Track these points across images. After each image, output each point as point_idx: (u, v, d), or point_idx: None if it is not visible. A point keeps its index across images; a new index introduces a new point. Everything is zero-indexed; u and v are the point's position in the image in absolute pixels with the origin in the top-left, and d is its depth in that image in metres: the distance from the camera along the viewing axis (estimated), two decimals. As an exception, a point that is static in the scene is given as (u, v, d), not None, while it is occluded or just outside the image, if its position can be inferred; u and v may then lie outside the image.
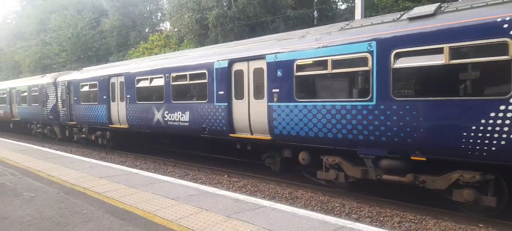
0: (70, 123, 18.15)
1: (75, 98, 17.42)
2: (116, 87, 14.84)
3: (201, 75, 11.14)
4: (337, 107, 7.84)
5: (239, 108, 10.13)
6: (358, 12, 16.25)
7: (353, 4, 22.77)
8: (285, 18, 24.88)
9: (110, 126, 15.27)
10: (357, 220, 6.78)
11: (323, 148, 8.35)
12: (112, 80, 15.10)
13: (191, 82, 11.60)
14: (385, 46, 7.14)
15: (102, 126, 15.98)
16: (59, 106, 18.91)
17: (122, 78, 14.53)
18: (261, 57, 9.47)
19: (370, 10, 21.64)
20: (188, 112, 11.55)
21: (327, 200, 8.34)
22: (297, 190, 9.20)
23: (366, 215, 7.28)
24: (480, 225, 6.58)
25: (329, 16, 25.81)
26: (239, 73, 10.13)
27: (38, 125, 21.98)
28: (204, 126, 11.05)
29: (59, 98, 18.89)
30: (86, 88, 16.67)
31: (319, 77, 8.44)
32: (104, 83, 15.35)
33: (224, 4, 24.85)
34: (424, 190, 7.28)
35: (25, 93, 22.52)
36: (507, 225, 6.48)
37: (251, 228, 5.19)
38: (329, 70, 8.05)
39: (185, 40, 28.96)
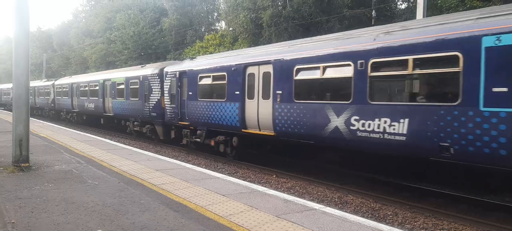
0: (180, 123, 15.27)
1: (190, 93, 14.48)
2: (256, 80, 11.51)
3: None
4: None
5: None
6: (419, 12, 15.46)
7: (413, 4, 21.68)
8: (341, 18, 24.36)
9: (242, 130, 12.05)
10: (411, 230, 6.46)
11: None
12: (250, 70, 11.81)
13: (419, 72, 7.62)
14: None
15: (228, 129, 12.78)
16: (166, 103, 16.29)
17: (267, 68, 11.16)
18: None
19: (433, 9, 20.46)
20: (408, 119, 7.60)
21: (379, 207, 8.06)
22: (346, 195, 8.99)
23: (420, 226, 6.92)
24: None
25: (388, 16, 24.82)
26: None
27: (135, 123, 19.53)
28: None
29: (165, 92, 16.26)
30: (206, 81, 13.76)
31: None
32: (237, 74, 12.15)
33: (279, 3, 24.94)
34: (485, 204, 6.76)
35: (122, 86, 20.32)
36: None
37: (301, 230, 5.17)
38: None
39: (239, 40, 29.50)
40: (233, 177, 9.66)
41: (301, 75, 10.11)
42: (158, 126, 17.42)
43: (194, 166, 10.44)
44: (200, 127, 14.18)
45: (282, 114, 10.43)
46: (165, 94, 16.33)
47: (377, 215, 7.58)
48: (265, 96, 11.18)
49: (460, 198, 8.16)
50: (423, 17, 15.00)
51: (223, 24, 40.51)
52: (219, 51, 29.55)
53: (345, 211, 7.01)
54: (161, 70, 17.00)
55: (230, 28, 32.07)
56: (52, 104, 33.21)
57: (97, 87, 23.61)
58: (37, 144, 13.13)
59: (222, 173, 10.16)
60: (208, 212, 5.89)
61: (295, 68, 10.15)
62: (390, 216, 7.51)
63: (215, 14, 46.08)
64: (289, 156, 12.87)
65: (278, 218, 5.67)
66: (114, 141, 16.53)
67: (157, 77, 17.16)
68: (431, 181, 9.06)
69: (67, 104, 29.29)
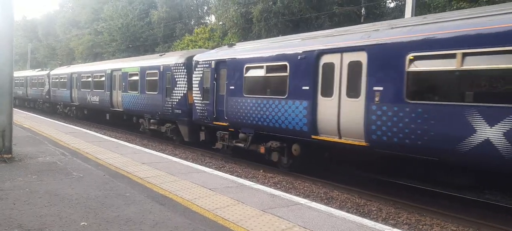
0: (216, 123, 12.50)
1: (232, 87, 11.75)
2: (337, 72, 8.92)
3: None
4: None
5: None
6: (408, 11, 15.63)
7: (402, 3, 21.91)
8: (330, 15, 24.45)
9: (312, 137, 9.36)
10: (394, 226, 6.58)
11: None
12: (327, 59, 9.12)
13: None
14: None
15: (287, 134, 10.08)
16: (195, 98, 13.46)
17: (357, 56, 8.50)
18: None
19: (421, 8, 20.70)
20: None
21: (364, 203, 8.17)
22: (332, 190, 9.09)
23: (404, 222, 7.05)
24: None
25: (377, 14, 25.01)
26: None
27: (151, 120, 16.81)
28: None
29: (195, 86, 13.47)
30: (257, 73, 11.06)
31: None
32: (306, 64, 9.46)
33: (269, -2, 24.88)
34: (467, 200, 6.93)
35: (135, 78, 17.45)
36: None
37: (286, 224, 5.21)
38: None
39: (228, 34, 29.38)
40: (220, 171, 9.66)
41: (421, 66, 7.30)
42: (183, 125, 14.66)
43: (181, 160, 10.40)
44: (245, 129, 11.42)
45: (382, 119, 7.75)
46: (194, 88, 13.51)
47: (361, 211, 7.68)
48: (352, 93, 8.53)
49: (442, 194, 8.33)
50: (412, 15, 15.18)
51: (213, 18, 40.31)
52: (208, 45, 29.40)
53: (331, 206, 7.07)
54: (189, 59, 14.25)
55: (220, 22, 31.90)
56: (47, 97, 30.27)
57: (103, 79, 20.63)
58: (20, 135, 12.88)
59: (209, 167, 10.15)
60: (194, 206, 5.89)
61: (407, 57, 7.41)
62: (375, 212, 7.63)
63: (205, 7, 45.79)
64: (384, 172, 9.95)
65: (264, 212, 5.70)
66: (100, 133, 16.34)
67: (183, 67, 14.37)
68: (416, 178, 9.22)
69: (65, 96, 26.35)
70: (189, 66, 14.19)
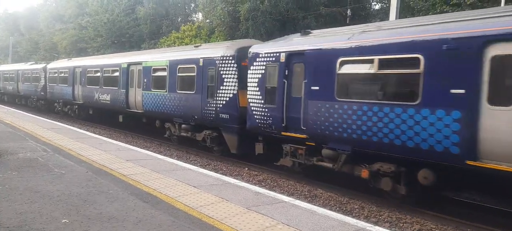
0: (285, 133, 9.78)
1: (315, 88, 8.99)
2: None
3: None
4: None
5: None
6: (392, 13, 15.90)
7: (387, 5, 22.25)
8: (317, 15, 24.64)
9: (468, 162, 6.58)
10: (376, 224, 6.70)
11: None
12: (500, 50, 6.33)
13: None
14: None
15: (417, 155, 7.28)
16: (251, 100, 10.71)
17: None
18: None
19: (406, 12, 21.07)
20: None
21: (347, 201, 8.31)
22: (316, 189, 9.19)
23: (385, 220, 7.20)
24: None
25: (362, 15, 25.33)
26: None
27: (183, 126, 13.86)
28: None
29: (252, 85, 10.76)
30: (359, 69, 8.34)
31: None
32: (459, 58, 6.73)
33: (257, -3, 24.89)
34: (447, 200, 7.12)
35: (162, 73, 14.54)
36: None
37: (270, 222, 5.26)
38: None
39: (216, 32, 29.29)
40: (205, 169, 9.65)
41: None
42: (230, 134, 11.83)
43: (166, 157, 10.36)
44: (334, 144, 8.68)
45: None
46: (250, 88, 10.76)
47: (344, 209, 7.81)
48: None
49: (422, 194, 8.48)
50: (396, 17, 15.46)
51: (200, 15, 40.09)
52: (195, 43, 29.25)
53: (314, 204, 7.17)
54: (241, 51, 11.66)
55: (207, 20, 31.78)
56: (42, 93, 26.59)
57: (117, 74, 17.58)
58: (0, 130, 12.58)
59: (194, 165, 10.13)
60: (178, 203, 5.88)
61: None
62: (357, 210, 7.76)
63: (192, 5, 45.49)
64: None
65: (248, 210, 5.73)
66: (83, 130, 16.07)
67: (233, 61, 11.62)
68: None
69: (66, 94, 22.94)
70: (240, 59, 11.57)
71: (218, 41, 25.58)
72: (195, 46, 14.60)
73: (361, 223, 5.57)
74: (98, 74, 19.44)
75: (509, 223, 6.90)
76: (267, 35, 22.05)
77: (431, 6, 18.78)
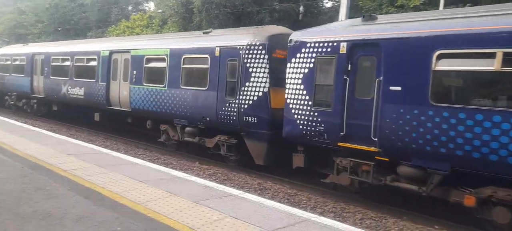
0: (345, 145, 7.83)
1: (395, 88, 7.09)
2: None
3: None
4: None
5: None
6: (342, 12, 16.47)
7: (338, 4, 22.99)
8: (271, 10, 24.83)
9: None
10: (321, 214, 6.93)
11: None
12: None
13: None
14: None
15: None
16: (292, 101, 8.69)
17: None
18: None
19: (355, 11, 21.91)
20: None
21: (295, 193, 8.52)
22: (266, 181, 9.33)
23: (330, 210, 7.49)
24: (436, 226, 6.88)
25: (314, 13, 25.95)
26: None
27: (187, 128, 11.55)
28: None
29: (293, 82, 8.70)
30: (467, 66, 6.53)
31: None
32: None
33: (211, -11, 24.55)
34: (388, 188, 7.56)
35: (160, 65, 12.16)
36: (461, 227, 6.81)
37: (218, 215, 5.24)
38: None
39: (168, 23, 28.51)
40: (154, 163, 9.40)
41: None
42: (257, 141, 9.82)
43: (112, 151, 9.96)
44: (422, 161, 6.89)
45: None
46: (291, 86, 8.74)
47: (292, 200, 8.00)
48: None
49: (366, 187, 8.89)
50: (346, 16, 16.03)
51: (152, 5, 38.75)
52: (146, 33, 28.25)
53: (263, 197, 7.28)
54: (274, 39, 9.84)
55: (159, 10, 30.81)
56: None
57: (94, 63, 14.80)
58: None
59: (143, 159, 9.82)
60: (123, 199, 5.68)
61: None
62: (304, 201, 7.99)
63: (144, -7, 43.81)
64: None
65: (196, 204, 5.68)
66: (21, 122, 14.92)
67: (263, 52, 9.60)
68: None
69: (22, 86, 19.55)
70: (271, 50, 9.69)
71: (171, 32, 24.92)
72: (204, 33, 12.04)
73: (307, 214, 5.75)
74: (68, 63, 16.39)
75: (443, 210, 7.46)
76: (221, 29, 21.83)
77: (378, 7, 19.71)
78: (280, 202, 7.34)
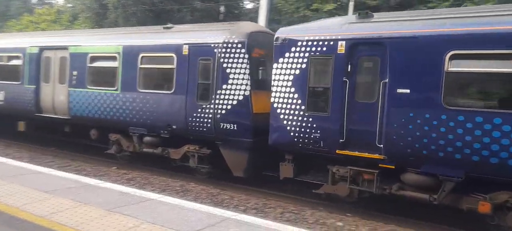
0: (345, 152, 7.26)
1: (403, 90, 6.69)
2: None
3: None
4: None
5: None
6: (262, 14, 16.83)
7: (258, 5, 23.54)
8: (192, 9, 24.44)
9: None
10: (243, 212, 7.03)
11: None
12: None
13: None
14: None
15: None
16: (281, 105, 7.86)
17: None
18: None
19: (274, 13, 22.61)
20: None
21: (218, 192, 8.50)
22: (189, 183, 9.16)
23: (252, 207, 7.63)
24: (348, 214, 7.41)
25: (235, 13, 26.19)
26: None
27: (146, 138, 10.06)
28: None
29: (282, 85, 7.89)
30: (486, 67, 6.31)
31: None
32: None
33: (128, -15, 23.32)
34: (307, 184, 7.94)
35: (111, 64, 10.62)
36: (371, 214, 7.42)
37: (134, 222, 4.99)
38: None
39: (80, 18, 26.39)
40: (62, 170, 8.60)
41: None
42: (236, 151, 8.79)
43: (13, 160, 8.93)
44: (433, 168, 6.54)
45: None
46: (279, 88, 7.88)
47: (215, 200, 7.97)
48: None
49: (287, 181, 9.18)
50: (266, 18, 16.42)
51: (60, -2, 35.53)
52: (54, 29, 25.77)
53: (185, 199, 7.13)
54: (253, 36, 8.98)
55: (69, 5, 28.38)
56: None
57: (19, 62, 12.58)
58: None
59: (50, 167, 8.94)
60: (23, 213, 5.09)
61: None
62: (227, 200, 8.02)
63: (51, -15, 40.01)
64: None
65: (109, 212, 5.33)
66: None
67: (242, 51, 8.67)
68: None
69: None
70: (251, 49, 8.78)
71: (84, 28, 23.11)
72: (165, 28, 10.54)
73: (228, 213, 5.76)
74: None
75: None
76: (139, 27, 20.88)
77: (295, 10, 20.61)
78: (202, 202, 7.27)
